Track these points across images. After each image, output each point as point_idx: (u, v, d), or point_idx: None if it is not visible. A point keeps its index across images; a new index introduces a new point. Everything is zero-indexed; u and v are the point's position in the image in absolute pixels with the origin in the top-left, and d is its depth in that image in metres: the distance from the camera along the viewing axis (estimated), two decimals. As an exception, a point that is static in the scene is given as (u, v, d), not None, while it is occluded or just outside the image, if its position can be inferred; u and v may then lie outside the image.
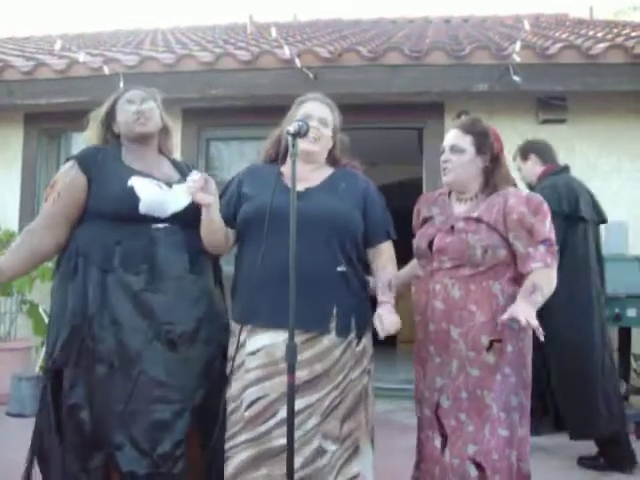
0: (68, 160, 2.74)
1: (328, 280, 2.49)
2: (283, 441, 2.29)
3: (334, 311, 2.48)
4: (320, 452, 2.44)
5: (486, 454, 2.50)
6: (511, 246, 2.57)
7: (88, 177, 2.64)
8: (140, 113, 2.73)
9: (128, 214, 2.57)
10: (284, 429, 2.27)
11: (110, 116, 2.81)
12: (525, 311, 2.40)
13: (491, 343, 2.55)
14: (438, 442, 2.61)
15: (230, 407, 2.52)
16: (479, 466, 2.50)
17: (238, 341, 2.51)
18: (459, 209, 2.73)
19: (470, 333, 2.57)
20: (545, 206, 2.60)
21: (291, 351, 2.16)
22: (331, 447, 2.46)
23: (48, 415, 2.63)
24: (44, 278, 5.58)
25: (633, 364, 5.32)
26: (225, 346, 2.65)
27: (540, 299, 2.48)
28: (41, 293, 5.52)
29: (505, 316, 2.43)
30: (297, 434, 2.37)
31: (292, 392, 2.15)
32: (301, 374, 2.39)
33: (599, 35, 6.56)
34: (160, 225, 2.62)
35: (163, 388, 2.53)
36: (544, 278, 2.52)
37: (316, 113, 2.67)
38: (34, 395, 5.06)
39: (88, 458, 2.52)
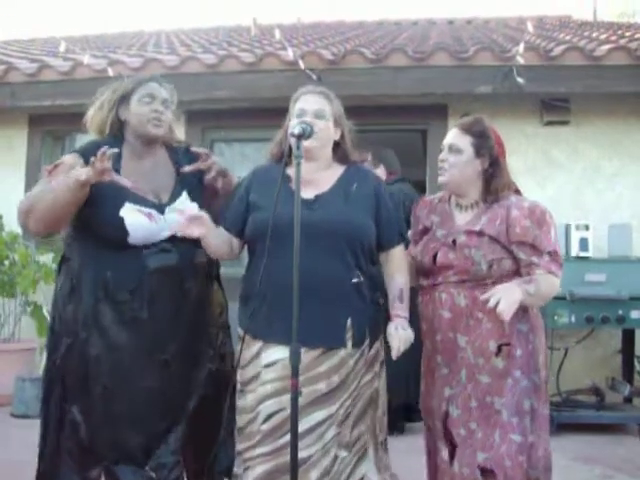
0: (73, 153, 2.66)
1: (343, 293, 2.42)
2: (302, 454, 2.27)
3: (349, 323, 2.43)
4: (334, 461, 2.41)
5: (498, 460, 2.45)
6: (515, 256, 2.53)
7: (90, 187, 2.52)
8: (159, 114, 2.65)
9: (117, 242, 2.53)
10: (303, 442, 2.26)
11: (124, 101, 2.69)
12: (505, 292, 2.37)
13: (499, 348, 2.51)
14: (445, 453, 2.57)
15: (245, 418, 2.46)
16: (490, 472, 2.46)
17: (242, 350, 2.47)
18: (460, 219, 2.67)
19: (477, 340, 2.53)
20: (548, 216, 2.55)
21: (295, 354, 2.13)
22: (342, 454, 2.43)
23: (51, 428, 2.64)
24: (48, 280, 5.59)
25: (637, 366, 5.32)
26: (224, 352, 2.66)
27: (533, 290, 2.43)
28: (45, 295, 5.53)
29: (484, 295, 2.41)
30: (317, 447, 2.37)
31: (296, 396, 2.13)
32: (319, 387, 2.38)
33: (603, 37, 6.56)
34: (151, 248, 2.57)
35: (157, 404, 2.56)
36: (545, 279, 2.49)
37: (310, 107, 2.53)
38: (38, 396, 5.04)
39: (87, 470, 2.56)
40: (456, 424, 2.55)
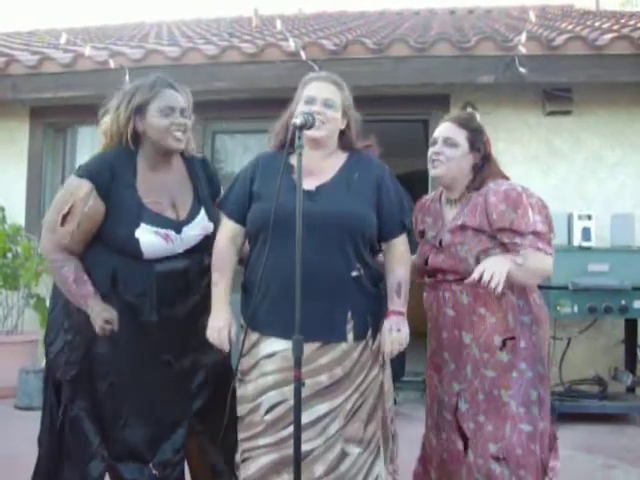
0: (80, 175, 2.52)
1: (343, 286, 2.38)
2: (305, 447, 2.26)
3: (349, 316, 2.40)
4: (343, 456, 2.38)
5: (509, 449, 2.48)
6: (500, 241, 2.53)
7: (105, 204, 2.48)
8: (179, 126, 2.54)
9: (131, 255, 2.50)
10: (305, 435, 2.24)
11: (140, 111, 2.54)
12: (492, 266, 2.36)
13: (504, 342, 2.53)
14: (460, 444, 2.59)
15: (245, 407, 2.46)
16: (503, 461, 2.49)
17: (245, 337, 2.46)
18: (449, 215, 2.69)
19: (482, 336, 2.55)
20: (524, 197, 2.52)
21: (298, 345, 2.10)
22: (354, 450, 2.40)
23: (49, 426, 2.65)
24: (50, 272, 5.59)
25: (639, 355, 5.32)
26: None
27: (520, 260, 2.42)
28: (47, 287, 5.53)
29: (468, 279, 2.40)
30: (320, 440, 2.35)
31: (299, 386, 2.11)
32: (321, 379, 2.37)
33: (605, 26, 6.53)
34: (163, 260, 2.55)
35: (162, 402, 2.56)
36: (533, 255, 2.47)
37: (320, 94, 2.46)
38: (42, 388, 5.08)
39: (89, 468, 2.54)
40: (465, 418, 2.58)
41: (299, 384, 2.11)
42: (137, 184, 2.55)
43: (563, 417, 4.85)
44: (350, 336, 2.40)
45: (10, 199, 6.42)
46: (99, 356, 2.52)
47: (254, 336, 2.45)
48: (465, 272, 2.54)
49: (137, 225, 2.48)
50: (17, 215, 6.35)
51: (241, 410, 2.49)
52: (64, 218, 2.49)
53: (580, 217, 5.24)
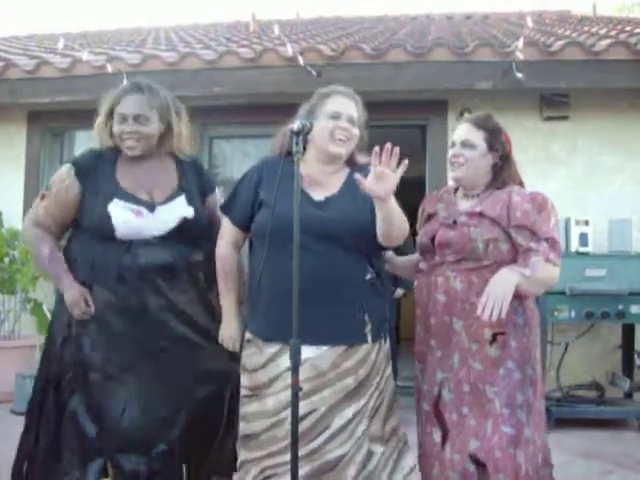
0: (68, 163, 2.73)
1: (359, 289, 2.45)
2: (338, 452, 2.29)
3: (366, 318, 2.45)
4: (369, 456, 2.42)
5: (488, 451, 2.45)
6: (514, 241, 2.53)
7: (83, 187, 2.63)
8: (129, 135, 2.65)
9: (106, 236, 2.58)
10: (338, 440, 2.28)
11: (111, 116, 2.71)
12: (494, 294, 2.37)
13: (494, 336, 2.52)
14: (438, 436, 2.58)
15: (264, 423, 2.39)
16: (479, 463, 2.46)
17: (241, 352, 2.46)
18: (464, 204, 2.70)
19: (473, 325, 2.54)
20: (549, 204, 2.57)
21: (295, 352, 2.10)
22: (379, 449, 2.45)
23: (47, 422, 2.68)
24: (47, 277, 5.58)
25: (637, 361, 5.32)
26: (221, 347, 2.61)
27: (529, 273, 2.43)
28: (45, 292, 5.53)
29: (478, 311, 2.39)
30: (350, 443, 2.36)
31: (296, 393, 2.10)
32: (348, 382, 2.39)
33: (602, 32, 6.55)
34: (139, 242, 2.60)
35: (158, 392, 2.58)
36: (542, 264, 2.48)
37: (345, 111, 2.52)
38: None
39: (89, 462, 2.56)
40: (448, 407, 2.57)
41: (296, 390, 2.11)
42: (116, 173, 2.69)
43: (560, 422, 4.86)
44: (369, 338, 2.45)
45: (7, 203, 6.41)
46: (90, 346, 2.56)
47: (270, 350, 2.40)
48: (470, 253, 2.55)
49: (110, 200, 2.59)
50: (14, 219, 6.32)
51: (256, 427, 2.41)
52: (43, 196, 2.71)
53: (577, 222, 5.26)
